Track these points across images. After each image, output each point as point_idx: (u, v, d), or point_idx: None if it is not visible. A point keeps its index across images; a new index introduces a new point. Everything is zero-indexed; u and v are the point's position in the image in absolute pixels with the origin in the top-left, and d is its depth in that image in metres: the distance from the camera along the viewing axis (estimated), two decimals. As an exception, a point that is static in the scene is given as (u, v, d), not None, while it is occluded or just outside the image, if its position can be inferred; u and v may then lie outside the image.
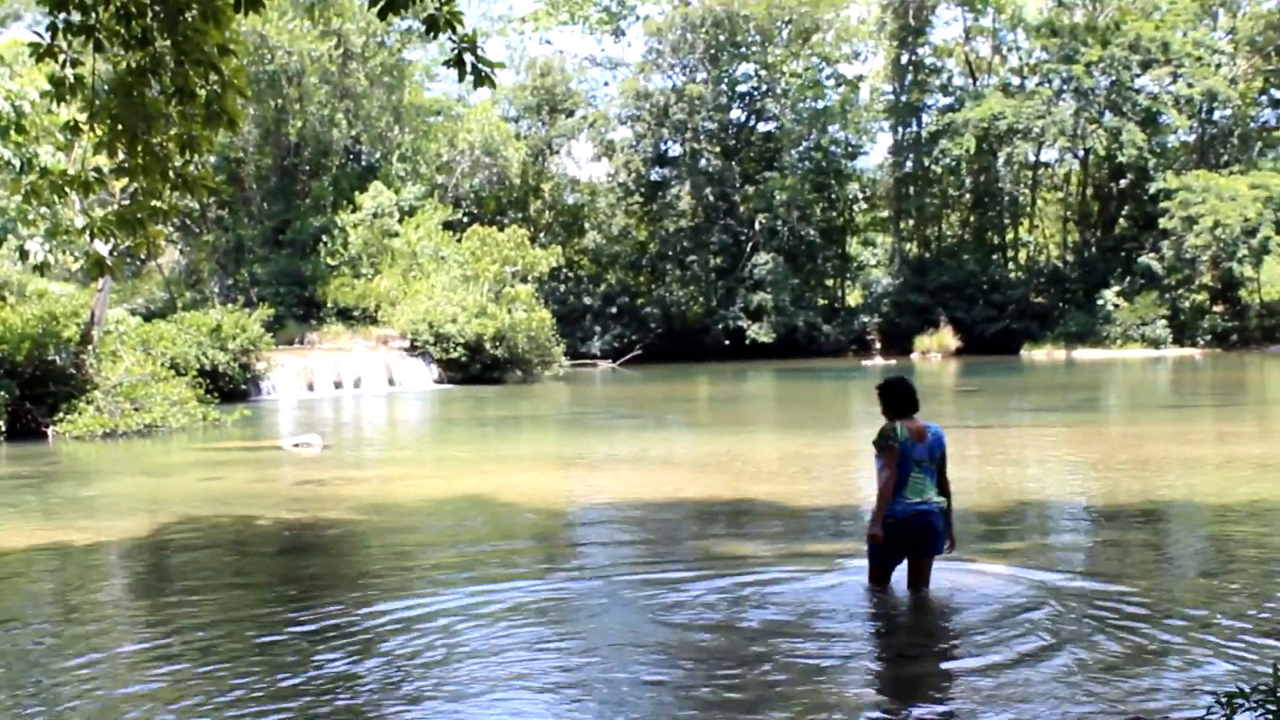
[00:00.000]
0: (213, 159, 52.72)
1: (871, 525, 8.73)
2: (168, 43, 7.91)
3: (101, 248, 16.84)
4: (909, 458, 8.62)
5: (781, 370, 55.20)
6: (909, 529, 8.65)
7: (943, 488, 8.82)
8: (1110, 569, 9.90)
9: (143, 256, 47.25)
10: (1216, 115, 70.72)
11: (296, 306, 54.79)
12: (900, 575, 8.99)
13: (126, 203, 9.23)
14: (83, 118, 8.40)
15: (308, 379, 41.22)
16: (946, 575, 9.45)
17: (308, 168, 61.66)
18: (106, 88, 8.30)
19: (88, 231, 9.04)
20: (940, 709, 6.56)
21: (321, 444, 22.52)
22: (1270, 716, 4.46)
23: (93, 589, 10.62)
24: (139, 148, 8.26)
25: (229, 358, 35.48)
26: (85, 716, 6.80)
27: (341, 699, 6.94)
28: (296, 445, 22.47)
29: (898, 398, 8.85)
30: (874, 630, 8.52)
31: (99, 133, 8.34)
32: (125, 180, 8.75)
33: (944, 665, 7.51)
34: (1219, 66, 68.70)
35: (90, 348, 27.18)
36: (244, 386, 36.73)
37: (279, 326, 45.76)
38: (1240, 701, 4.48)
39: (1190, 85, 67.62)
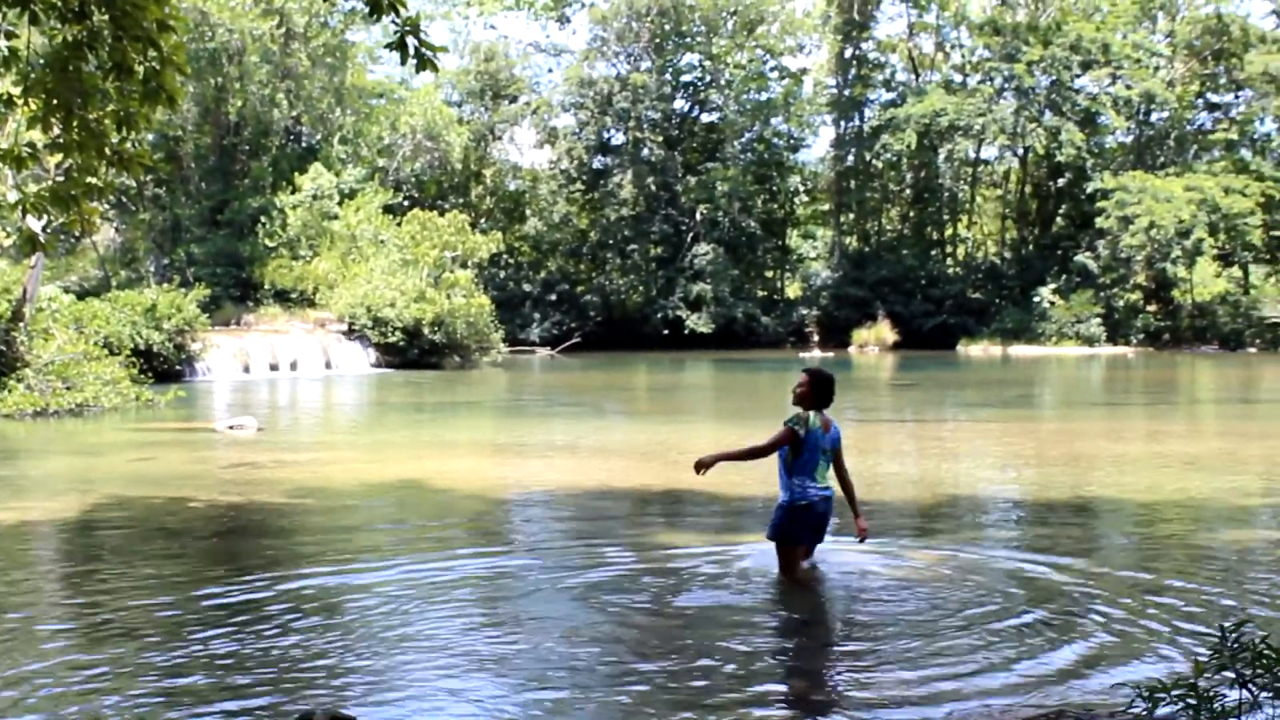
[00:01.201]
0: (150, 136, 52.18)
1: (714, 456, 9.33)
2: (105, 17, 7.80)
3: (35, 224, 16.63)
4: (818, 446, 9.14)
5: (719, 361, 55.34)
6: (816, 511, 9.18)
7: (843, 478, 9.42)
8: (1039, 561, 10.00)
9: (77, 233, 46.69)
10: (1154, 117, 71.58)
11: (233, 287, 54.35)
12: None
13: (61, 179, 9.10)
14: (17, 91, 8.27)
15: (244, 361, 40.91)
16: (875, 560, 9.84)
17: (247, 148, 61.14)
18: (42, 61, 8.17)
19: (20, 207, 8.90)
20: (865, 694, 6.60)
21: (256, 426, 22.34)
22: (1191, 711, 4.53)
23: (18, 569, 10.49)
24: (74, 123, 8.14)
25: (164, 338, 35.16)
26: (9, 700, 6.72)
27: (268, 672, 6.89)
28: (231, 427, 22.29)
29: (823, 390, 9.34)
30: (796, 611, 8.60)
31: (33, 107, 8.21)
32: (60, 156, 8.63)
33: (868, 649, 7.56)
34: (1157, 69, 69.59)
35: (21, 325, 26.83)
36: (178, 367, 36.42)
37: (215, 307, 45.42)
38: (1162, 695, 4.55)
39: (1129, 87, 68.41)
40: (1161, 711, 4.65)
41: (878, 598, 8.89)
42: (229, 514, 13.13)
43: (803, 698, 6.70)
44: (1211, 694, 4.51)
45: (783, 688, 6.96)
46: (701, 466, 9.23)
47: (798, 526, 9.18)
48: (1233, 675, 4.53)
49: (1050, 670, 7.01)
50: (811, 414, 9.19)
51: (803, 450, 9.09)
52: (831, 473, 9.34)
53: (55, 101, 8.07)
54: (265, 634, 7.91)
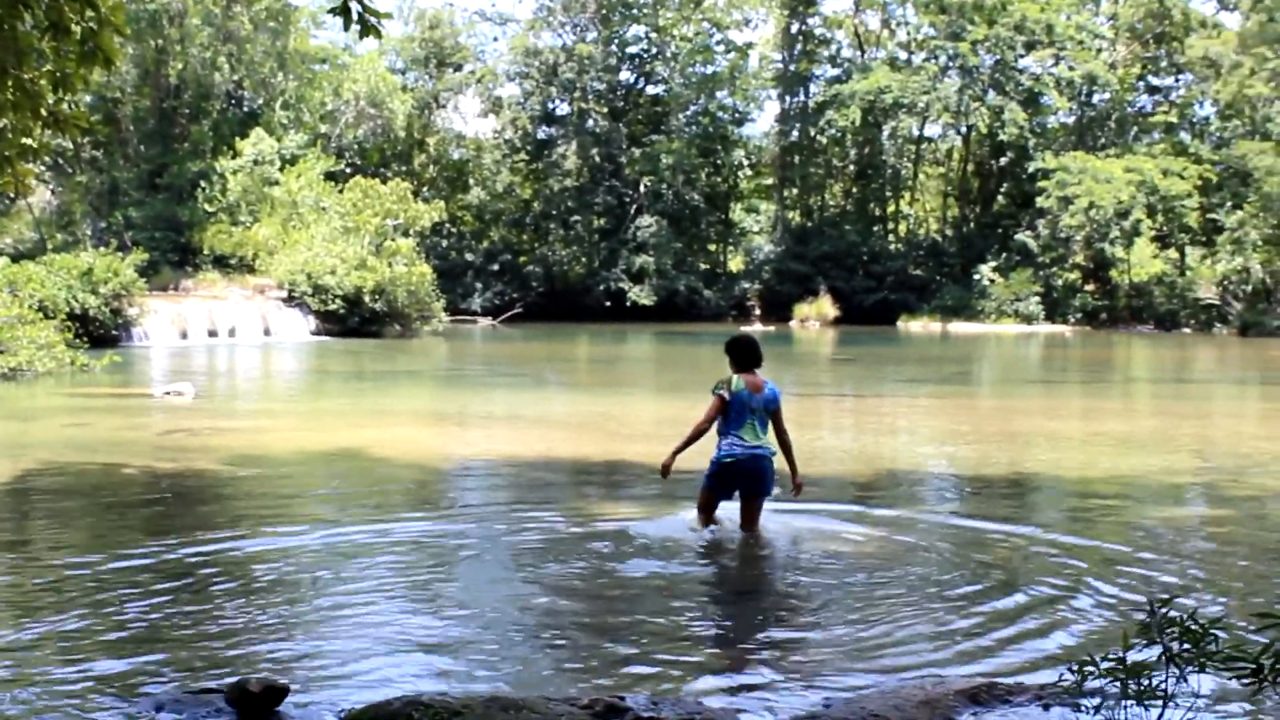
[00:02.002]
0: (89, 98, 51.53)
1: (670, 456, 9.67)
2: (42, -25, 7.68)
3: (-32, 184, 16.36)
4: (746, 406, 9.53)
5: (661, 333, 55.40)
6: (742, 467, 9.55)
7: (781, 437, 9.77)
8: (973, 535, 10.11)
9: (11, 195, 46.01)
10: (1095, 98, 72.07)
11: (172, 252, 53.82)
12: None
13: (-5, 139, 8.96)
14: (-50, 49, 8.14)
15: (181, 326, 40.56)
16: (811, 532, 10.04)
17: (187, 111, 60.45)
18: (-24, 19, 8.04)
19: (-47, 167, 8.76)
20: (796, 664, 6.65)
21: (193, 393, 22.17)
22: (1118, 684, 4.59)
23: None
24: (9, 83, 8.01)
25: (100, 302, 34.79)
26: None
27: (200, 640, 6.85)
28: (168, 393, 22.09)
29: (742, 353, 9.77)
30: (731, 581, 8.67)
31: (-33, 65, 8.08)
32: (-6, 115, 8.50)
33: (802, 619, 7.61)
34: (1100, 51, 70.09)
35: (-46, 287, 26.47)
36: (115, 332, 36.05)
37: (153, 272, 44.94)
38: (1090, 669, 4.61)
39: (1071, 68, 68.89)
40: (1090, 684, 4.71)
41: (813, 568, 8.97)
42: (164, 480, 13.02)
43: (733, 667, 6.73)
44: (1139, 667, 4.58)
45: (714, 656, 6.99)
46: (665, 470, 9.71)
47: (722, 480, 9.67)
48: (1160, 649, 4.60)
49: (981, 643, 7.08)
50: (735, 377, 9.60)
51: (729, 411, 9.52)
52: (770, 433, 9.72)
53: (-11, 60, 7.94)
54: (199, 601, 7.86)
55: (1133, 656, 4.61)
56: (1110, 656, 4.63)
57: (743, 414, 9.52)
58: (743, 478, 9.61)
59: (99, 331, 34.06)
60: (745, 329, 60.08)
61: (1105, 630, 7.25)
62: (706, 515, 9.87)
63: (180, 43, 58.26)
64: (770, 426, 9.71)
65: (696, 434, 9.59)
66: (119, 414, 19.77)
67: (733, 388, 9.53)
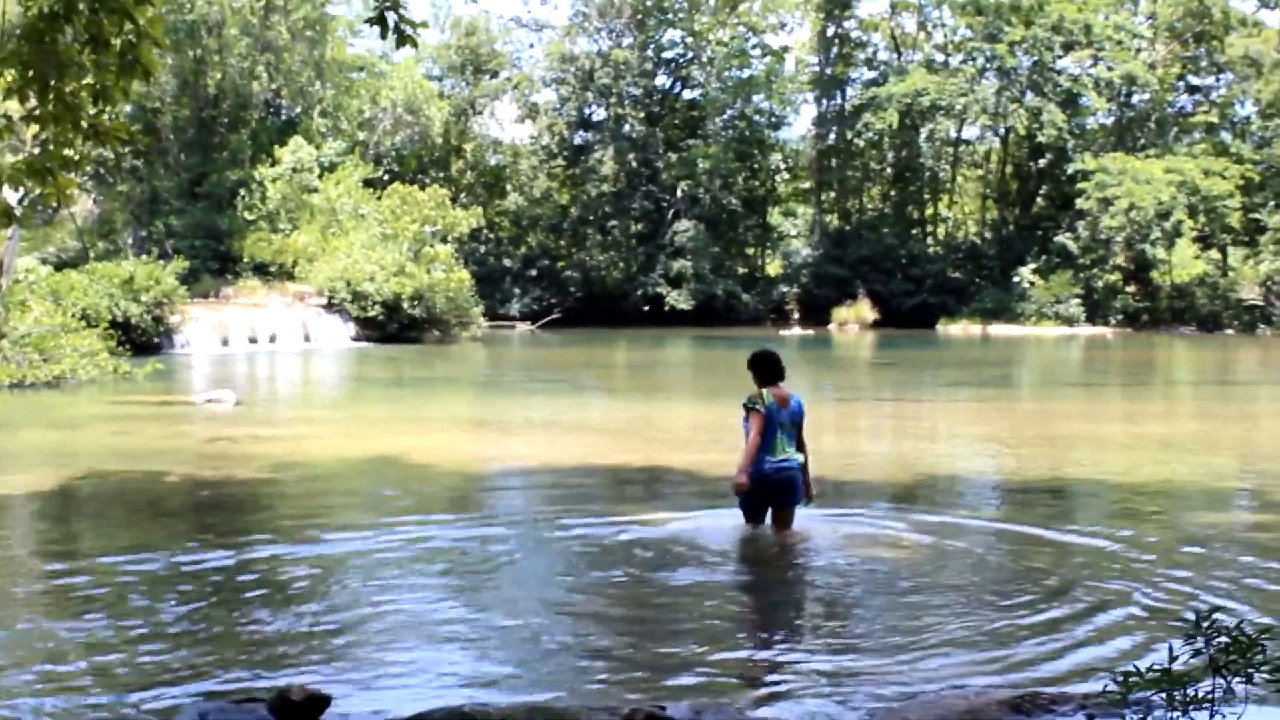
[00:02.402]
0: (129, 108, 51.84)
1: (737, 475, 9.66)
2: (82, -11, 7.74)
3: (11, 196, 16.48)
4: (775, 420, 9.68)
5: (699, 338, 55.35)
6: (772, 483, 9.72)
7: (800, 446, 9.93)
8: (1015, 543, 10.04)
9: (54, 205, 46.41)
10: (1135, 99, 71.57)
11: (212, 260, 54.04)
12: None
13: (37, 151, 9.03)
14: (-8, 63, 8.20)
15: (222, 334, 40.77)
16: (852, 538, 10.03)
17: (226, 120, 60.72)
18: (18, 33, 8.11)
19: (-4, 179, 8.83)
20: (837, 671, 6.61)
21: (234, 400, 22.27)
22: (1164, 696, 4.55)
23: (-6, 543, 10.45)
24: (50, 96, 8.08)
25: (142, 310, 35.01)
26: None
27: (243, 647, 6.88)
28: (209, 401, 22.21)
29: (766, 367, 9.89)
30: (772, 587, 8.65)
31: (9, 78, 8.15)
32: (36, 128, 8.56)
33: (843, 625, 7.58)
34: (1139, 51, 69.56)
35: (-2, 296, 26.69)
36: (157, 340, 36.24)
37: (194, 280, 45.13)
38: (1136, 679, 4.56)
39: (1110, 68, 68.38)
40: (1135, 695, 4.66)
41: (854, 575, 8.94)
42: (205, 488, 13.09)
43: (774, 676, 6.71)
44: (1185, 678, 4.53)
45: (755, 664, 6.96)
46: (741, 488, 9.69)
47: (753, 497, 9.77)
48: (1207, 660, 4.55)
49: (1024, 652, 7.03)
50: (764, 391, 9.74)
51: (764, 427, 9.63)
52: (794, 445, 9.89)
53: (31, 73, 8.01)
54: (242, 607, 7.90)
55: (1178, 666, 4.56)
56: (1155, 666, 4.58)
57: (772, 428, 9.67)
58: (773, 491, 9.77)
59: (141, 339, 34.26)
60: (784, 333, 60.13)
61: (1150, 639, 7.18)
62: (751, 523, 9.97)
63: (219, 53, 58.57)
64: (795, 438, 9.89)
65: (753, 452, 9.62)
66: (161, 422, 19.89)
67: (765, 402, 9.67)
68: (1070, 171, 67.39)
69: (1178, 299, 65.66)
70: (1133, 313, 65.35)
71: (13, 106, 9.04)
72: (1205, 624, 4.58)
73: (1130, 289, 66.63)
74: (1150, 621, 7.63)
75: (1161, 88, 70.32)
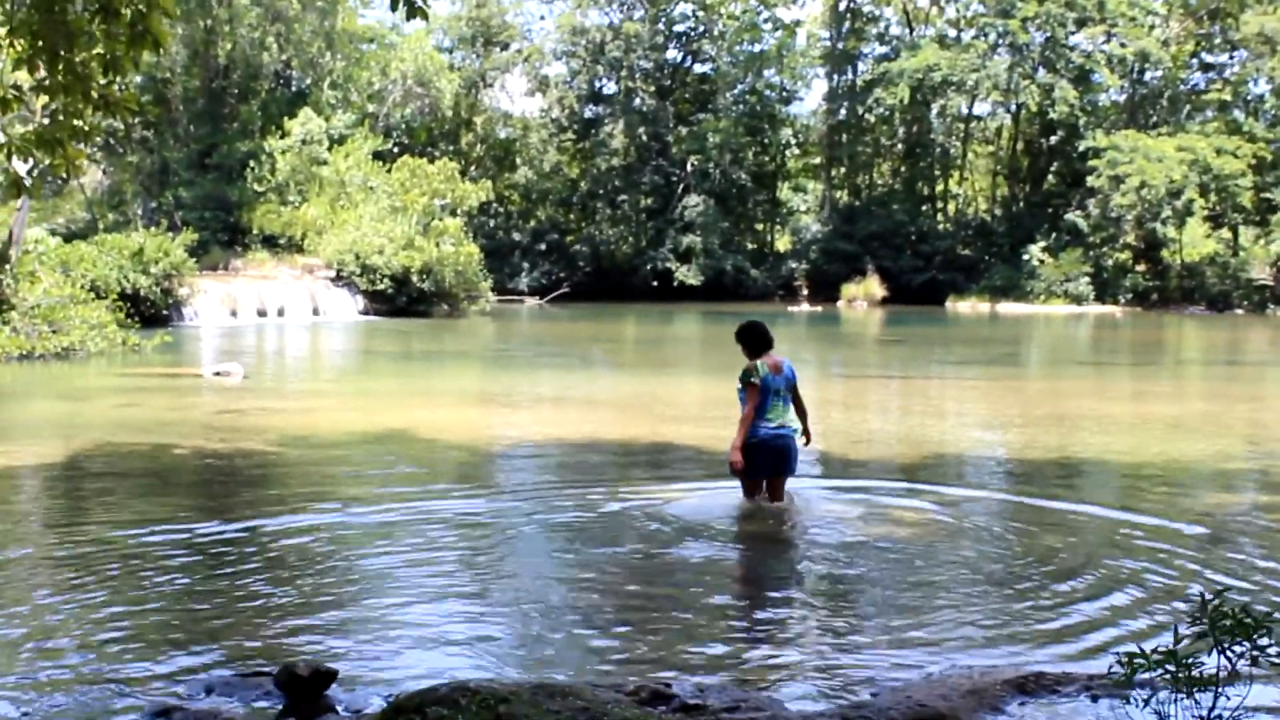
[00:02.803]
0: (139, 79, 51.81)
1: (732, 452, 9.90)
2: (92, -41, 7.73)
3: (20, 167, 16.46)
4: (769, 389, 9.93)
5: (708, 313, 55.31)
6: (771, 448, 9.96)
7: (799, 408, 10.22)
8: (1020, 521, 10.03)
9: (63, 176, 46.41)
10: (1147, 76, 71.29)
11: (221, 232, 54.12)
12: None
13: (47, 122, 9.03)
14: (2, 33, 8.20)
15: (231, 306, 40.83)
16: (857, 513, 10.10)
17: (236, 91, 60.70)
18: (28, 3, 8.09)
19: (6, 150, 8.83)
20: (841, 648, 6.61)
21: (243, 373, 22.31)
22: (1169, 678, 4.55)
23: (1, 516, 10.47)
24: (60, 66, 8.07)
25: (151, 282, 35.05)
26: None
27: (248, 620, 6.90)
28: (217, 373, 22.25)
29: (755, 339, 10.15)
30: (777, 563, 8.64)
31: (19, 49, 8.14)
32: (46, 99, 8.56)
33: (848, 603, 7.58)
34: (1152, 28, 69.26)
35: (7, 267, 26.70)
36: (165, 312, 36.31)
37: (203, 252, 45.23)
38: (1140, 661, 4.56)
39: (1123, 45, 68.11)
40: (1140, 676, 4.66)
41: (860, 552, 8.93)
42: (213, 460, 13.12)
43: (780, 653, 6.71)
44: (1190, 661, 4.53)
45: (761, 641, 6.96)
46: (736, 465, 9.93)
47: (754, 461, 9.93)
48: (1212, 642, 4.54)
49: (1029, 631, 7.03)
50: (759, 363, 9.98)
51: (758, 396, 9.92)
52: (792, 409, 10.16)
53: (41, 43, 8.00)
54: (248, 580, 7.91)
55: (1184, 649, 4.56)
56: (1160, 649, 4.58)
57: (768, 396, 9.93)
58: (770, 456, 9.98)
59: (150, 311, 34.31)
60: (792, 309, 60.15)
61: (1156, 621, 7.17)
62: (751, 495, 10.19)
63: (229, 23, 58.47)
64: (792, 401, 10.16)
65: (747, 424, 9.88)
66: (169, 394, 19.92)
67: (760, 373, 9.90)
68: (1081, 149, 67.21)
69: (1188, 278, 65.51)
70: (1142, 292, 65.22)
71: (22, 77, 9.05)
72: (1212, 605, 4.57)
73: (1140, 268, 66.49)
74: (1157, 602, 7.62)
75: (1175, 65, 70.05)
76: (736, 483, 10.21)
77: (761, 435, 9.92)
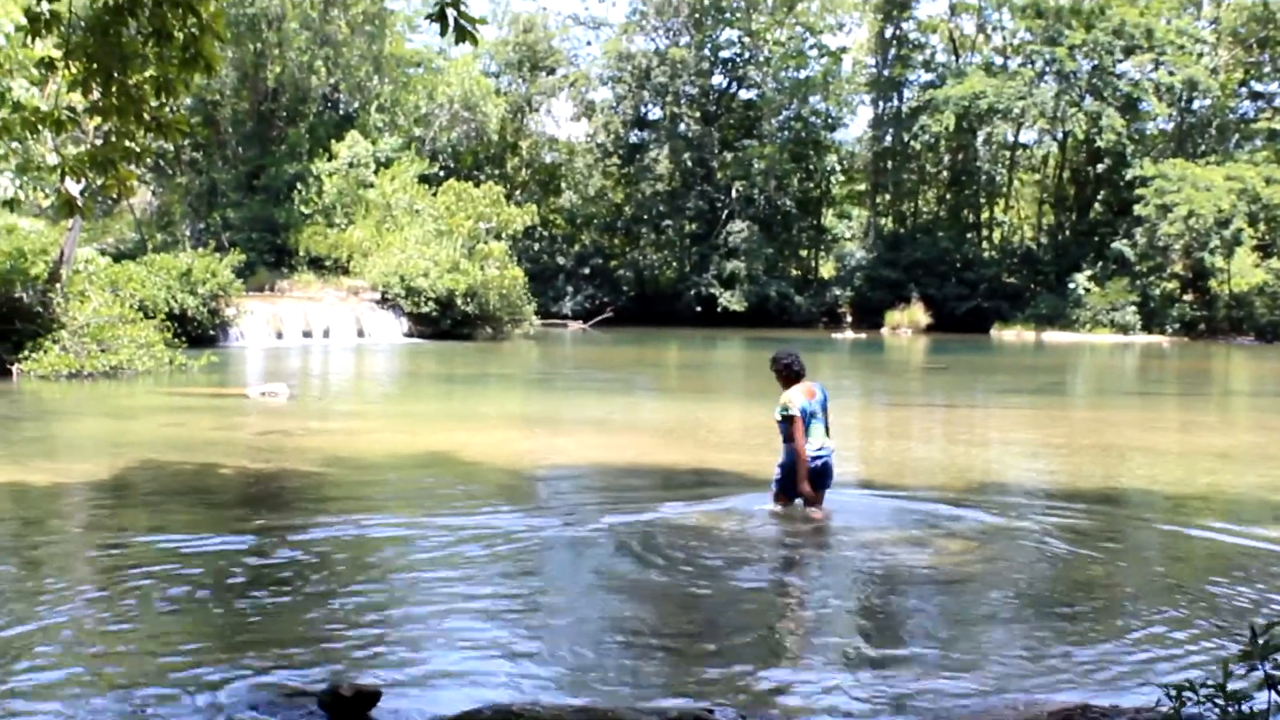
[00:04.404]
0: (188, 101, 52.31)
1: (800, 484, 10.65)
2: (147, -17, 7.82)
3: (73, 187, 16.68)
4: (808, 414, 10.68)
5: (752, 339, 55.21)
6: (813, 470, 10.68)
7: (828, 429, 10.94)
8: (1067, 551, 9.95)
9: (114, 197, 46.83)
10: (1196, 104, 70.79)
11: (268, 253, 54.49)
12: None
13: (100, 143, 9.14)
14: (58, 55, 8.31)
15: (277, 327, 41.08)
16: (902, 545, 9.89)
17: (284, 114, 61.15)
18: (83, 25, 8.19)
19: (60, 170, 8.95)
20: (885, 680, 6.57)
21: (288, 393, 22.43)
22: (1218, 711, 4.49)
23: (50, 529, 10.56)
24: (114, 88, 8.17)
25: (198, 302, 35.32)
26: (42, 654, 6.75)
27: (291, 638, 6.91)
28: (263, 394, 22.38)
29: (789, 371, 10.90)
30: (818, 589, 8.60)
31: (74, 70, 8.24)
32: (99, 120, 8.66)
33: (892, 634, 7.53)
34: (1201, 56, 68.79)
35: (58, 286, 26.97)
36: (212, 332, 36.58)
37: (250, 273, 45.56)
38: (1189, 695, 4.51)
39: (1171, 73, 67.69)
40: (1188, 710, 4.61)
41: (903, 580, 8.89)
42: (258, 480, 13.19)
43: (821, 681, 6.67)
44: (1240, 694, 4.48)
45: (802, 668, 6.93)
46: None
47: (794, 482, 10.68)
48: (1262, 676, 4.49)
49: (1074, 663, 6.97)
50: (792, 393, 10.71)
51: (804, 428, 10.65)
52: (824, 430, 10.86)
53: (95, 66, 8.10)
54: (294, 600, 7.95)
55: (1233, 684, 4.51)
56: (1209, 682, 4.53)
57: (807, 422, 10.67)
58: (812, 477, 10.69)
59: (197, 331, 34.58)
60: (836, 336, 59.98)
61: (1204, 653, 7.10)
62: (785, 505, 10.90)
63: (278, 46, 58.96)
64: (825, 422, 10.89)
65: (802, 457, 10.61)
66: (215, 413, 20.05)
67: (798, 405, 10.63)
68: (1129, 177, 66.78)
69: (1236, 308, 64.88)
70: (1190, 321, 64.66)
71: (76, 99, 9.15)
72: (1263, 639, 4.52)
73: (1187, 297, 65.92)
74: (1207, 635, 7.54)
75: (1223, 93, 69.56)
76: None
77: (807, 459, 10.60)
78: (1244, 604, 8.29)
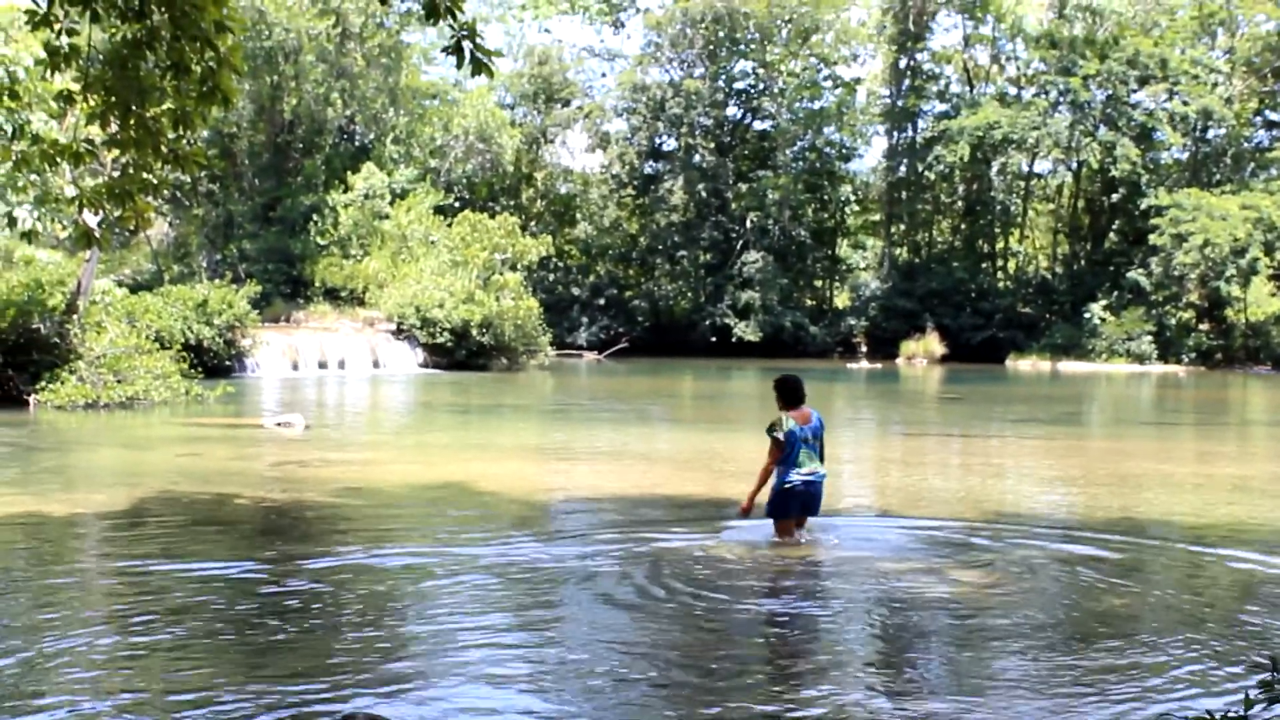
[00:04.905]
0: (205, 133, 52.58)
1: (748, 500, 11.09)
2: (164, 16, 7.87)
3: (90, 219, 16.75)
4: (797, 439, 10.92)
5: (767, 369, 54.98)
6: (801, 493, 10.97)
7: (821, 458, 11.18)
8: (1083, 583, 9.91)
9: (131, 228, 47.01)
10: (1210, 134, 70.76)
11: (284, 284, 54.70)
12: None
13: (117, 175, 9.19)
14: (76, 87, 8.37)
15: (292, 358, 41.18)
16: (914, 575, 9.84)
17: (301, 146, 61.48)
18: (101, 58, 8.26)
19: (77, 202, 9.00)
20: (891, 711, 6.54)
21: (304, 424, 22.47)
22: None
23: (66, 560, 10.58)
24: (132, 120, 8.23)
25: (214, 333, 35.44)
26: (57, 683, 6.75)
27: (306, 667, 6.91)
28: (279, 424, 22.43)
29: (789, 392, 11.19)
30: (830, 616, 8.57)
31: (92, 103, 8.30)
32: (117, 152, 8.72)
33: (901, 665, 7.50)
34: (1215, 85, 68.79)
35: (75, 317, 27.08)
36: (228, 363, 36.69)
37: (265, 304, 45.73)
38: (1209, 726, 4.48)
39: (1186, 103, 67.72)
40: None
41: (919, 610, 8.84)
42: (273, 510, 13.20)
43: (835, 713, 6.64)
44: (1260, 725, 4.44)
45: (817, 700, 6.90)
46: (745, 512, 11.12)
47: (786, 504, 11.00)
48: (1283, 708, 4.46)
49: (1092, 693, 6.93)
50: (785, 415, 11.02)
51: (786, 447, 10.93)
52: (818, 457, 11.10)
53: (114, 99, 8.16)
54: (306, 628, 7.94)
55: (1255, 715, 4.48)
56: (1230, 714, 4.50)
57: (797, 446, 10.91)
58: (801, 499, 11.00)
59: (213, 362, 34.69)
60: (851, 366, 59.95)
61: (1225, 683, 7.06)
62: (785, 535, 11.10)
63: (295, 79, 59.31)
64: (819, 451, 11.10)
65: (765, 476, 11.04)
66: (231, 444, 20.09)
67: (785, 427, 10.93)
68: (1143, 207, 66.76)
69: (1252, 337, 64.68)
70: (1206, 351, 64.48)
71: (95, 131, 9.21)
72: (1282, 671, 4.49)
73: (1204, 327, 65.75)
74: (1226, 664, 7.49)
75: (1238, 123, 69.56)
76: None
77: (794, 482, 10.91)
78: (1264, 633, 8.24)
